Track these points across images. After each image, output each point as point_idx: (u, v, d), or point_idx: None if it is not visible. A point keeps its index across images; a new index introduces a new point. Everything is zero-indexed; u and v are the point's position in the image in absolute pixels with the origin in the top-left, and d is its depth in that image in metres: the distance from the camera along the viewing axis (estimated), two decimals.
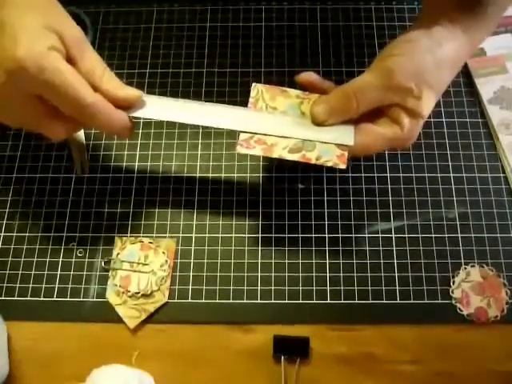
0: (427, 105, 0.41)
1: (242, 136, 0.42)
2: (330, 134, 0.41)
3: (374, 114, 0.42)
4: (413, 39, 0.41)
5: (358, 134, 0.41)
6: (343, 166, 0.40)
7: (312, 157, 0.41)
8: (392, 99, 0.41)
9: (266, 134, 0.42)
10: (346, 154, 0.41)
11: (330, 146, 0.41)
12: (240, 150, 0.41)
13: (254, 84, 0.45)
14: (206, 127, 0.54)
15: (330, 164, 0.40)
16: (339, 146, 0.41)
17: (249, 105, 0.44)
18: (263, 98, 0.44)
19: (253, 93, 0.44)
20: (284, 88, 0.44)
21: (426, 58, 0.41)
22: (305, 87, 0.44)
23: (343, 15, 0.59)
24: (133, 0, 0.61)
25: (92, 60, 0.40)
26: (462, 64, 0.44)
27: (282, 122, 0.43)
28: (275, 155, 0.41)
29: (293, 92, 0.44)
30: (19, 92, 0.37)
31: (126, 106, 0.41)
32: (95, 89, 0.39)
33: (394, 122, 0.41)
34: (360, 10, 0.60)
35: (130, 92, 0.41)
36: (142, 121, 0.54)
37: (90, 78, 0.38)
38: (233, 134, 0.53)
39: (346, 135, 0.41)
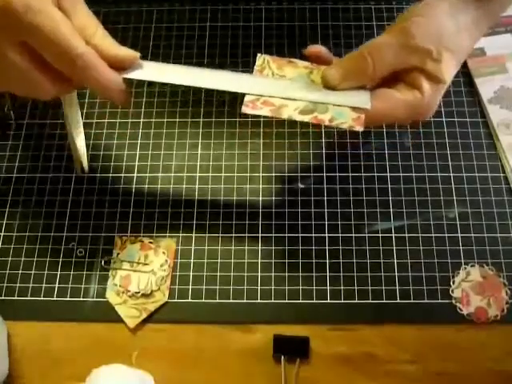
0: (448, 70, 0.39)
1: (248, 97, 0.39)
2: (344, 97, 0.38)
3: (391, 82, 0.40)
4: (433, 3, 0.39)
5: (376, 99, 0.39)
6: (360, 129, 0.37)
7: (325, 118, 0.38)
8: (410, 61, 0.38)
9: (273, 97, 0.39)
10: (363, 116, 0.38)
11: (345, 108, 0.38)
12: (245, 110, 0.38)
13: (259, 54, 0.42)
14: (206, 127, 0.54)
15: (345, 126, 0.37)
16: (354, 109, 0.38)
17: (253, 73, 0.41)
18: (270, 66, 0.41)
19: (258, 62, 0.41)
20: (292, 59, 0.42)
21: (447, 21, 0.39)
22: (313, 61, 0.42)
23: (343, 15, 0.59)
24: (133, 0, 0.61)
25: (85, 15, 0.37)
26: (481, 36, 0.42)
27: (292, 85, 0.39)
28: (284, 116, 0.38)
29: (301, 63, 0.41)
30: (4, 36, 0.34)
31: (120, 66, 0.38)
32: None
33: (414, 87, 0.39)
34: (360, 9, 0.60)
35: (126, 51, 0.38)
36: (141, 120, 0.55)
37: (82, 34, 0.36)
38: (233, 134, 0.54)
39: (361, 99, 0.38)
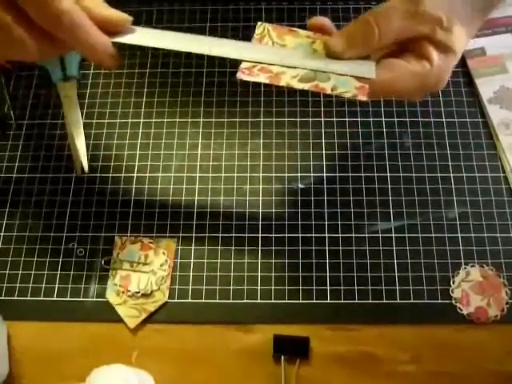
0: (458, 39, 0.37)
1: (244, 64, 0.36)
2: (347, 66, 0.36)
3: (398, 53, 0.38)
4: None
5: (382, 69, 0.36)
6: (364, 98, 0.35)
7: (327, 87, 0.35)
8: (419, 29, 0.36)
9: (272, 64, 0.36)
10: (367, 86, 0.35)
11: (348, 78, 0.36)
12: (241, 76, 0.36)
13: (259, 22, 0.39)
14: (206, 127, 0.54)
15: (348, 95, 0.35)
16: (358, 78, 0.36)
17: (252, 41, 0.39)
18: (270, 35, 0.38)
19: (258, 30, 0.39)
20: (293, 28, 0.39)
21: None
22: (316, 32, 0.39)
23: (343, 15, 0.59)
24: (133, 0, 0.61)
25: None
26: (491, 12, 0.40)
27: (292, 53, 0.37)
28: (283, 83, 0.36)
29: (303, 32, 0.39)
30: None
31: (110, 29, 0.36)
32: None
33: (422, 58, 0.37)
34: (360, 9, 0.60)
35: (117, 13, 0.36)
36: (141, 120, 0.55)
37: None
38: (233, 134, 0.54)
39: (366, 68, 0.36)
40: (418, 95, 0.41)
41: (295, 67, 0.36)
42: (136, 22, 0.59)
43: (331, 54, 0.37)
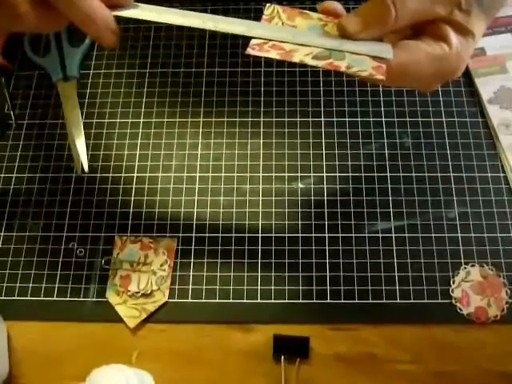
0: (477, 22, 0.35)
1: (255, 40, 0.35)
2: (363, 46, 0.34)
3: (415, 35, 0.36)
4: None
5: (399, 50, 0.34)
6: (382, 77, 0.33)
7: (342, 65, 0.34)
8: (436, 10, 0.34)
9: (283, 42, 0.35)
10: (384, 66, 0.34)
11: (364, 57, 0.34)
12: (250, 51, 0.34)
13: (268, 4, 0.38)
14: (206, 127, 0.54)
15: (365, 74, 0.33)
16: (375, 58, 0.34)
17: (261, 21, 0.37)
18: (280, 17, 0.37)
19: (267, 11, 0.37)
20: (304, 11, 0.37)
21: None
22: (328, 15, 0.37)
23: None
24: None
25: None
26: (499, 10, 0.39)
27: (304, 32, 0.36)
28: (296, 59, 0.34)
29: (315, 14, 0.37)
30: None
31: (112, 2, 0.35)
32: None
33: (440, 40, 0.35)
34: None
35: None
36: (141, 120, 0.55)
37: None
38: (233, 134, 0.54)
39: (383, 48, 0.34)
40: (434, 82, 0.39)
41: (309, 46, 0.35)
42: (136, 22, 0.60)
43: (345, 35, 0.35)
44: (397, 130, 0.53)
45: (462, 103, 0.54)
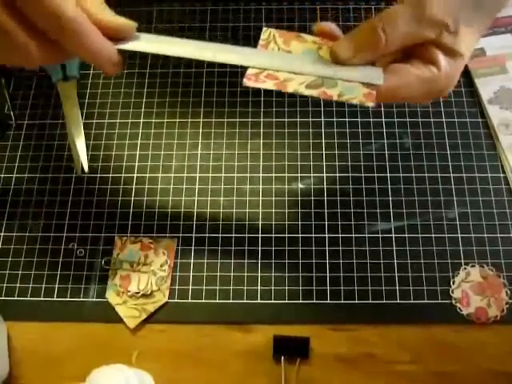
0: (466, 43, 0.37)
1: (251, 70, 0.37)
2: (354, 72, 0.36)
3: (405, 58, 0.37)
4: None
5: (389, 74, 0.36)
6: (372, 104, 0.35)
7: (334, 93, 0.35)
8: (425, 34, 0.36)
9: (279, 70, 0.36)
10: (375, 92, 0.35)
11: (356, 84, 0.36)
12: (247, 83, 0.36)
13: (265, 28, 0.39)
14: (206, 127, 0.54)
15: (355, 101, 0.35)
16: (366, 85, 0.36)
17: (258, 47, 0.38)
18: (275, 41, 0.38)
19: (263, 35, 0.39)
20: (300, 33, 0.39)
21: None
22: (323, 37, 0.39)
23: (343, 15, 0.59)
24: (133, 0, 0.61)
25: None
26: (499, 11, 0.40)
27: (299, 59, 0.37)
28: (290, 90, 0.35)
29: (309, 37, 0.39)
30: None
31: (115, 35, 0.35)
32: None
33: (429, 63, 0.36)
34: (360, 9, 0.60)
35: (122, 20, 0.35)
36: (141, 121, 0.55)
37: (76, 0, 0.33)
38: (233, 134, 0.54)
39: (373, 74, 0.36)
40: (427, 100, 0.40)
41: (302, 74, 0.36)
42: (136, 22, 0.60)
43: (338, 61, 0.36)
44: (397, 130, 0.53)
45: (462, 103, 0.54)
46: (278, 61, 0.37)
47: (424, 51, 0.37)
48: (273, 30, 0.39)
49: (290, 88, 0.36)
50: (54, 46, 0.34)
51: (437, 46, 0.36)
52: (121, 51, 0.36)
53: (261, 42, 0.38)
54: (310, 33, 0.39)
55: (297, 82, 0.36)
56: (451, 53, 0.37)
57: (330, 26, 0.39)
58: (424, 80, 0.36)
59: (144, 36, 0.37)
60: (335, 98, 0.35)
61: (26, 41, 0.33)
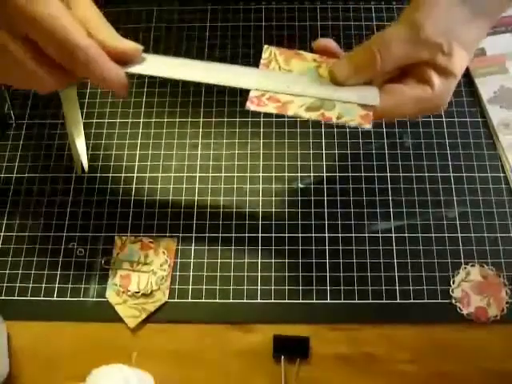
0: (459, 62, 0.38)
1: (253, 93, 0.38)
2: (351, 93, 0.38)
3: (400, 77, 0.39)
4: None
5: (384, 94, 0.38)
6: (368, 126, 0.37)
7: (332, 116, 0.37)
8: (420, 55, 0.37)
9: (279, 92, 0.38)
10: (371, 113, 0.37)
11: (353, 105, 0.38)
12: (250, 106, 0.38)
13: (266, 46, 0.41)
14: (206, 127, 0.54)
15: (353, 123, 0.37)
16: (362, 106, 0.37)
17: (260, 66, 0.40)
18: (276, 60, 0.40)
19: (265, 54, 0.40)
20: (299, 51, 0.41)
21: (457, 10, 0.37)
22: (322, 54, 0.41)
23: (343, 15, 0.59)
24: (133, 0, 0.61)
25: (87, 7, 0.36)
26: (494, 22, 0.41)
27: (298, 80, 0.39)
28: (290, 113, 0.37)
29: (309, 55, 0.40)
30: (5, 28, 0.33)
31: (123, 59, 0.37)
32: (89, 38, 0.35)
33: (423, 82, 0.38)
34: (360, 9, 0.60)
35: (128, 44, 0.37)
36: (141, 120, 0.55)
37: (84, 26, 0.35)
38: (233, 134, 0.54)
39: (369, 95, 0.38)
40: (418, 116, 0.42)
41: (302, 95, 0.38)
42: (136, 22, 0.60)
43: (335, 82, 0.38)
44: (397, 130, 0.53)
45: (462, 103, 0.54)
46: (279, 82, 0.39)
47: (418, 71, 0.38)
48: (273, 49, 0.41)
49: (290, 111, 0.38)
50: (65, 72, 0.36)
51: (431, 66, 0.38)
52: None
53: (262, 61, 0.40)
54: (310, 49, 0.41)
55: (296, 105, 0.38)
56: (445, 73, 0.38)
57: (329, 42, 0.40)
58: (418, 100, 0.38)
59: (150, 58, 0.38)
60: (334, 120, 0.37)
61: (40, 70, 0.35)
